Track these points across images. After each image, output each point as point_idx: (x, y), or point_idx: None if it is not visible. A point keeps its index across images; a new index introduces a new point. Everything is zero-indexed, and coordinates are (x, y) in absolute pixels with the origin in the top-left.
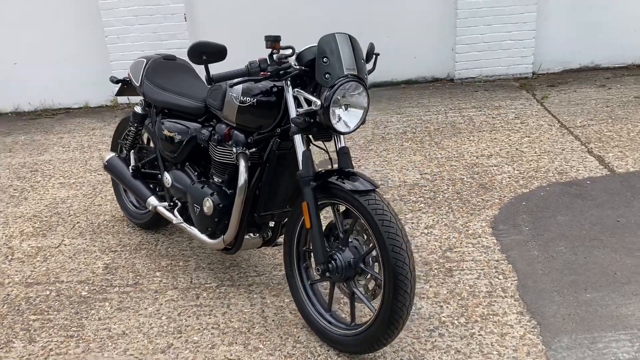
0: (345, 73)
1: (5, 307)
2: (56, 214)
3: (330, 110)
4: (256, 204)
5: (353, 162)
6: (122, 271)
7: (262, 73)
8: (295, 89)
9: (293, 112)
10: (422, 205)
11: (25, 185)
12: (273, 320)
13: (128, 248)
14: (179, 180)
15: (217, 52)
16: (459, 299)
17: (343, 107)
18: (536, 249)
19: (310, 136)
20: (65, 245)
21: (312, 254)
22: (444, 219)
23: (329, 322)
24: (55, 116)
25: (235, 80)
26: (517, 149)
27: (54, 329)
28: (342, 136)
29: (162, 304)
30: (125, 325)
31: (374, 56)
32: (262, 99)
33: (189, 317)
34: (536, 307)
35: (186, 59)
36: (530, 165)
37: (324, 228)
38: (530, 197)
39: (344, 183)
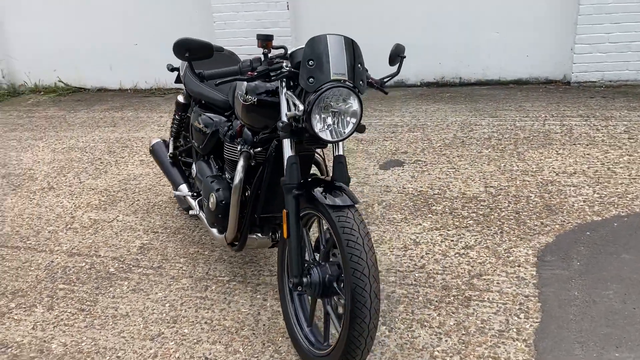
0: (332, 78)
1: (44, 272)
2: (123, 189)
3: (312, 117)
4: (257, 204)
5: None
6: (152, 253)
7: (249, 73)
8: (287, 91)
9: (284, 115)
10: (470, 222)
11: (112, 159)
12: (264, 325)
13: (168, 231)
14: (201, 172)
15: (201, 50)
16: (463, 334)
17: (330, 113)
18: (578, 289)
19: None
20: (117, 220)
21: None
22: (487, 240)
23: (305, 337)
24: (165, 95)
25: (223, 79)
26: (609, 168)
27: (72, 301)
28: (340, 144)
29: (172, 291)
30: (132, 307)
31: (400, 59)
32: (263, 98)
33: (189, 308)
34: (548, 358)
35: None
36: (617, 189)
37: (314, 240)
38: (599, 227)
39: (324, 195)
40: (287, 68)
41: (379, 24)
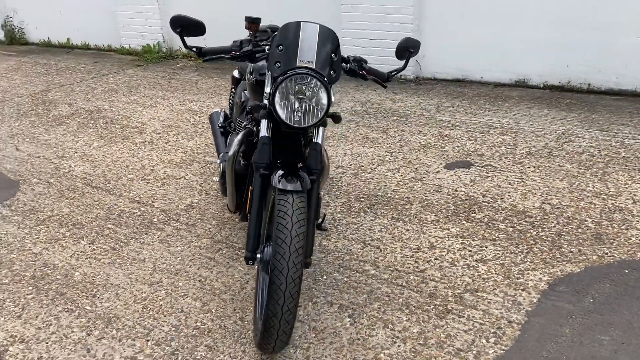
0: (298, 64)
1: (105, 212)
2: (204, 152)
3: (275, 101)
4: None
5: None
6: (194, 211)
7: (233, 52)
8: (268, 73)
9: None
10: (502, 236)
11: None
12: (245, 293)
13: (218, 194)
14: (230, 143)
15: (193, 27)
16: (419, 343)
17: (297, 100)
18: (571, 327)
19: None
20: (184, 179)
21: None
22: (507, 258)
23: (261, 307)
24: None
25: (211, 56)
26: None
27: (111, 240)
28: (319, 130)
29: (189, 247)
30: (151, 254)
31: (408, 53)
32: (260, 78)
33: (194, 265)
34: None
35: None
36: None
37: None
38: None
39: (279, 178)
40: (268, 51)
41: (504, 17)
